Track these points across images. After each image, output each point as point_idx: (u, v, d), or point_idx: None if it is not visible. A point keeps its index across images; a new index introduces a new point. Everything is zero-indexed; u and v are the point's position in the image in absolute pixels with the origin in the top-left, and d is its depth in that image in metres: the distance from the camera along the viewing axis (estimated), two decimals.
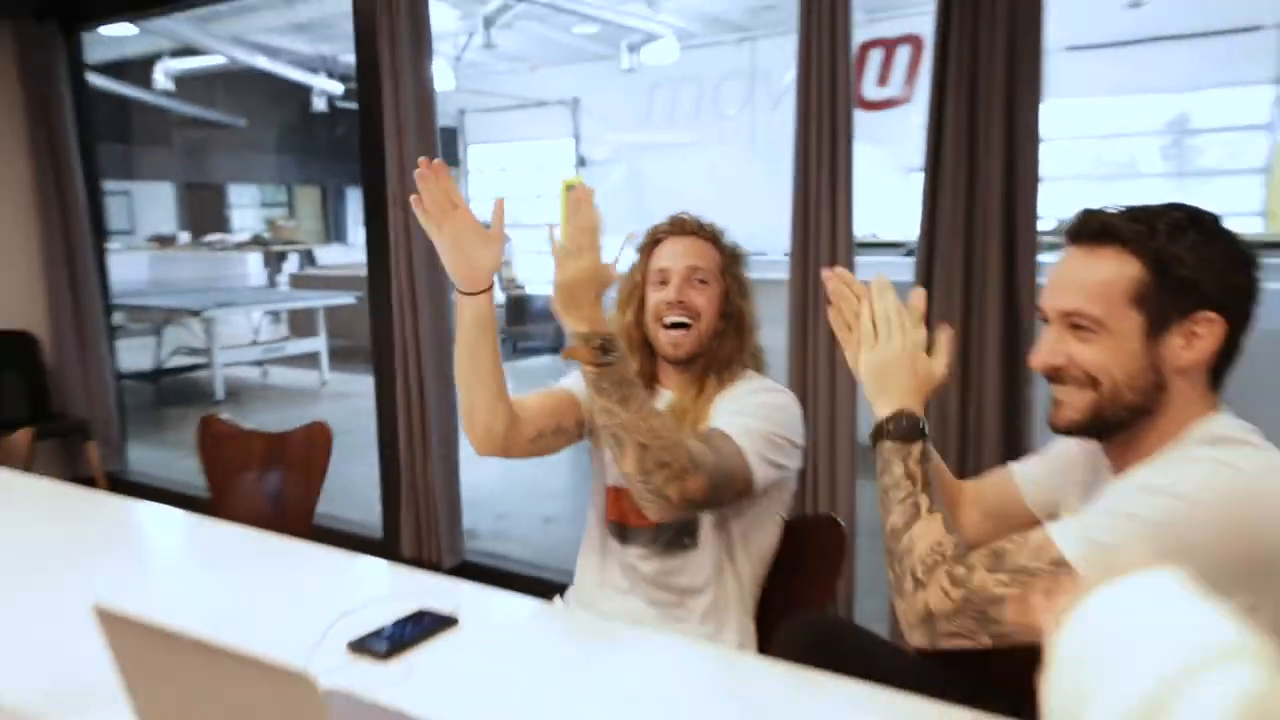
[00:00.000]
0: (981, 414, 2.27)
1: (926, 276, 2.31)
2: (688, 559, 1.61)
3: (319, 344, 8.28)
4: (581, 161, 11.86)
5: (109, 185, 6.58)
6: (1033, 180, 2.18)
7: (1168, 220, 1.06)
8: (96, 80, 5.17)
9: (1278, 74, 7.85)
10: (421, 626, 1.37)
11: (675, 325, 1.60)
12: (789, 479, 1.61)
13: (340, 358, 8.56)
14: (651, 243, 1.68)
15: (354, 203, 17.92)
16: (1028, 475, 1.36)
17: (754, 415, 1.53)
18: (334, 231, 17.11)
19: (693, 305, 1.60)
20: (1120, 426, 1.11)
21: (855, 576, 2.52)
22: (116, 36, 8.09)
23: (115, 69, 10.05)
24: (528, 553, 3.91)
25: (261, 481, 2.47)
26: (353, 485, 4.63)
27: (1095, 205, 1.12)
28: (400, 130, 3.17)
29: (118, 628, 0.96)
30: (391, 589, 1.55)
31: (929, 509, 1.14)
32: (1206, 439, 1.06)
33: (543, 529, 4.44)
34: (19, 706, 1.18)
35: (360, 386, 7.85)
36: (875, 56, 8.20)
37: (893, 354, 1.24)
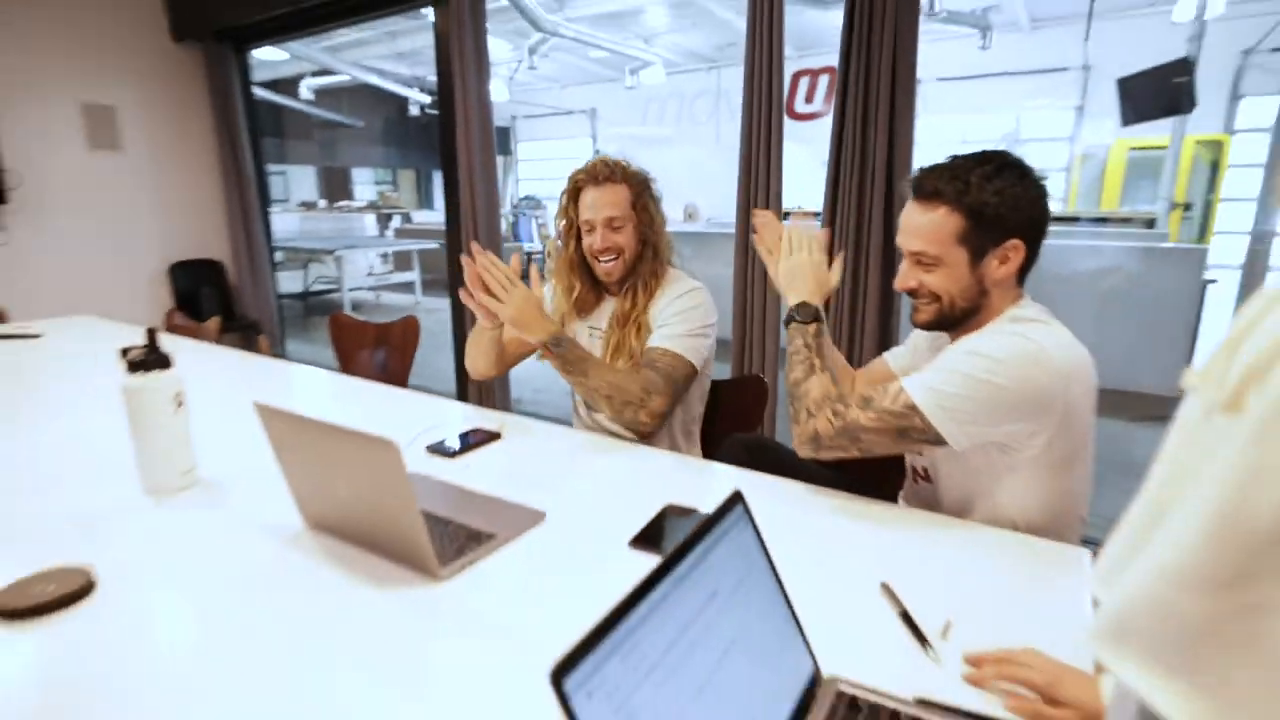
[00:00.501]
0: (865, 319, 2.28)
1: (831, 229, 2.30)
2: None
3: (414, 276, 8.24)
4: (597, 153, 11.60)
5: (270, 167, 6.45)
6: (907, 166, 2.15)
7: (979, 173, 1.05)
8: (260, 92, 5.04)
9: (1078, 102, 7.80)
10: (475, 438, 1.41)
11: (606, 259, 1.51)
12: (712, 348, 1.56)
13: (427, 286, 8.48)
14: (575, 189, 1.50)
15: (438, 180, 17.62)
16: (895, 357, 1.38)
17: (678, 323, 1.47)
18: (424, 200, 16.81)
19: (616, 245, 1.48)
20: (958, 323, 1.13)
21: (775, 417, 2.57)
22: (273, 60, 7.86)
23: (273, 84, 9.78)
24: (557, 414, 3.97)
25: (372, 357, 2.50)
26: (435, 371, 4.67)
27: (928, 164, 1.10)
28: (468, 130, 3.12)
29: (270, 416, 1.00)
30: (457, 417, 1.58)
31: (820, 369, 1.15)
32: (1011, 319, 1.08)
33: (569, 400, 4.47)
34: (215, 479, 1.24)
35: (441, 305, 7.84)
36: (804, 81, 7.99)
37: (799, 262, 1.25)
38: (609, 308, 1.58)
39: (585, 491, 1.19)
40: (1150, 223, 6.61)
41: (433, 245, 8.37)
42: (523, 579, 0.94)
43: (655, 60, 8.42)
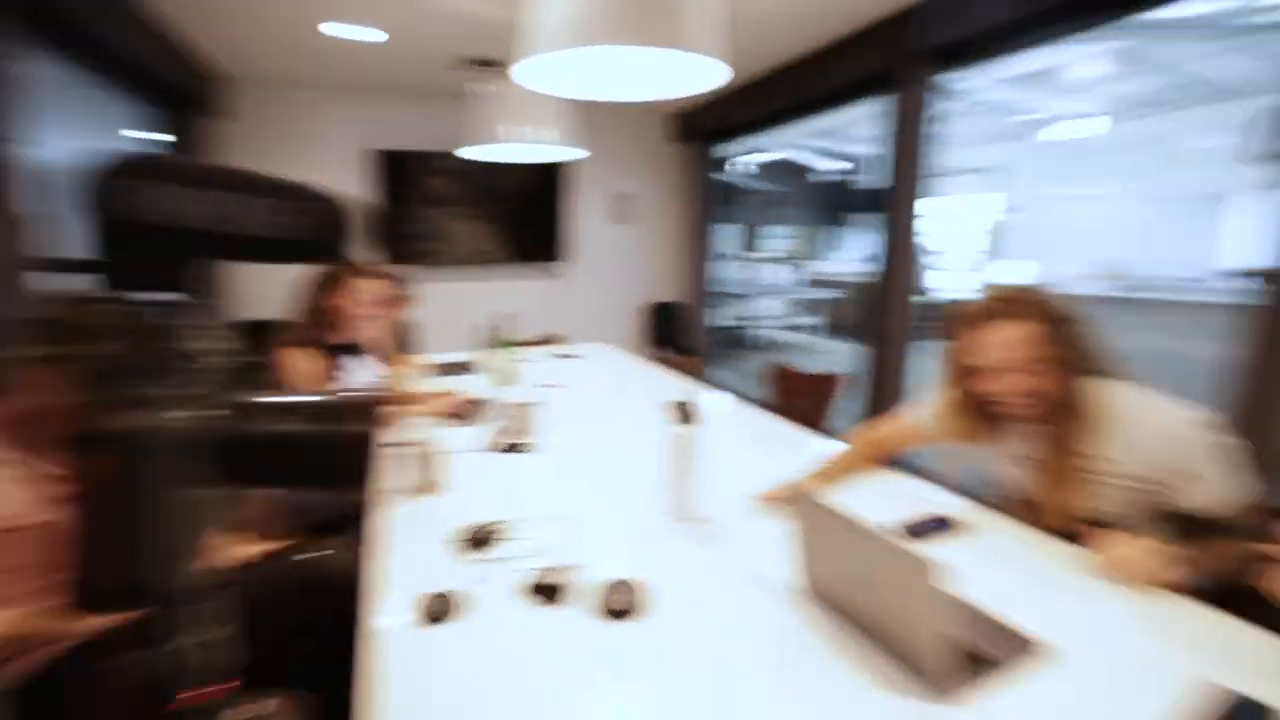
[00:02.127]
0: None
1: None
2: None
3: (816, 320, 8.45)
4: (1007, 208, 10.20)
5: (715, 226, 7.06)
6: None
7: None
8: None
9: None
10: (937, 525, 1.26)
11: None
12: None
13: (824, 329, 8.40)
14: (963, 329, 1.16)
15: (828, 235, 17.43)
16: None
17: (1208, 455, 1.07)
18: (823, 250, 16.77)
19: (1027, 390, 1.12)
20: None
21: None
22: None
23: (719, 162, 10.84)
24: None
25: (802, 404, 2.44)
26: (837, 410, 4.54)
27: None
28: (905, 197, 2.99)
29: (810, 509, 0.97)
30: (912, 492, 1.43)
31: None
32: None
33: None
34: (719, 516, 1.29)
35: (833, 347, 7.69)
36: None
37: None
38: (1026, 430, 1.25)
39: (1084, 627, 0.95)
40: None
41: (834, 294, 8.25)
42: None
43: (1070, 114, 7.03)
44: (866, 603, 0.89)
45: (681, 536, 1.20)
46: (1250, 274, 1.76)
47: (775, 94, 3.75)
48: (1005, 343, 1.13)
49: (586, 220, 4.94)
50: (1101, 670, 0.85)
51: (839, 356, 6.42)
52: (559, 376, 2.57)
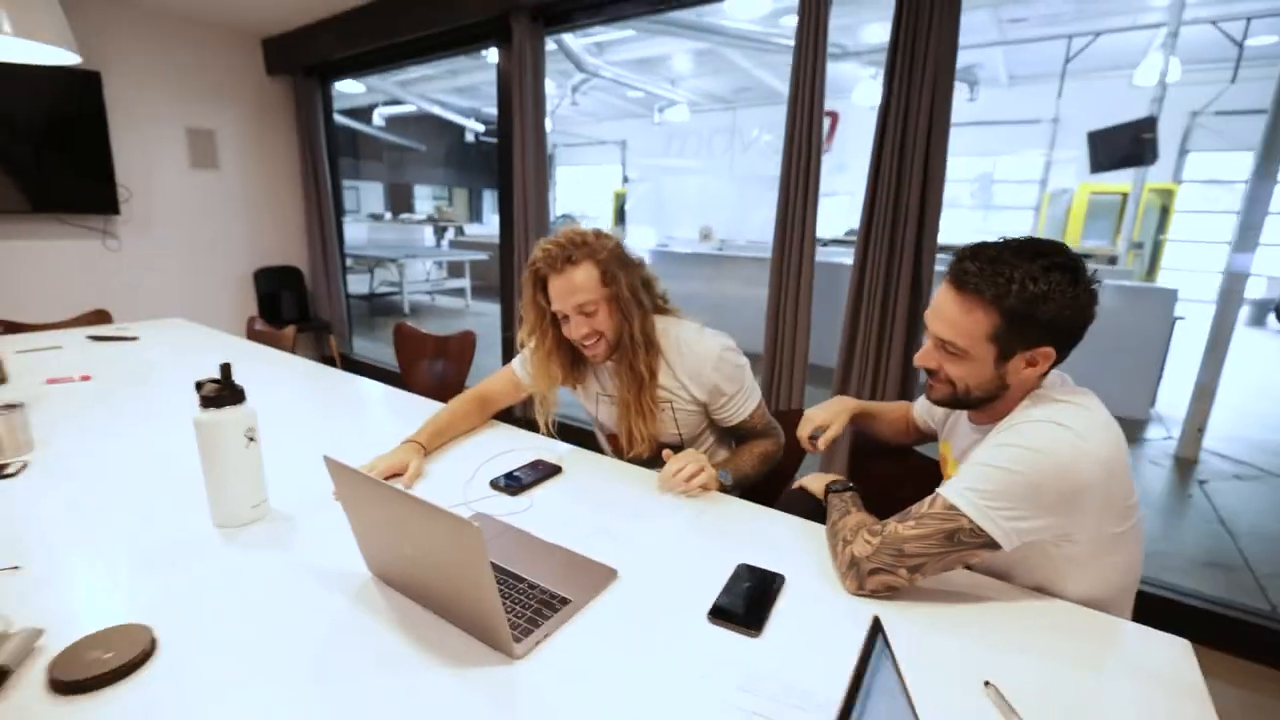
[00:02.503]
0: (890, 360, 2.10)
1: (861, 262, 2.12)
2: None
3: (465, 283, 8.08)
4: (625, 179, 11.43)
5: (345, 182, 6.31)
6: (938, 206, 1.96)
7: (1025, 270, 0.84)
8: (340, 119, 4.86)
9: (1047, 148, 7.56)
10: (538, 472, 1.23)
11: (589, 344, 1.27)
12: None
13: (476, 292, 8.32)
14: (539, 278, 1.25)
15: (488, 199, 17.47)
16: (922, 408, 1.23)
17: (735, 389, 1.30)
18: (474, 215, 16.66)
19: (593, 331, 1.25)
20: (972, 406, 0.95)
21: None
22: (352, 92, 7.71)
23: (350, 112, 9.63)
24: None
25: (430, 366, 2.38)
26: (485, 371, 4.51)
27: (976, 242, 0.89)
28: (523, 155, 2.96)
29: (341, 473, 0.82)
30: (517, 444, 1.42)
31: (856, 509, 0.99)
32: (1038, 400, 0.89)
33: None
34: (286, 510, 1.06)
35: (489, 309, 7.71)
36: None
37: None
38: (604, 370, 1.39)
39: (653, 544, 1.01)
40: (1113, 259, 6.35)
41: (481, 256, 8.22)
42: (600, 656, 0.75)
43: (680, 100, 8.22)
44: (427, 575, 0.77)
45: (225, 548, 0.92)
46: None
47: (380, 30, 3.37)
48: (573, 288, 1.20)
49: (160, 165, 3.76)
50: (660, 578, 0.92)
51: (488, 319, 6.57)
52: (91, 366, 1.89)
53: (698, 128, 9.72)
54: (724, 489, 1.20)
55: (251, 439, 0.99)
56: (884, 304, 2.08)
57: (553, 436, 1.41)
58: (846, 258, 4.79)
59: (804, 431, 1.19)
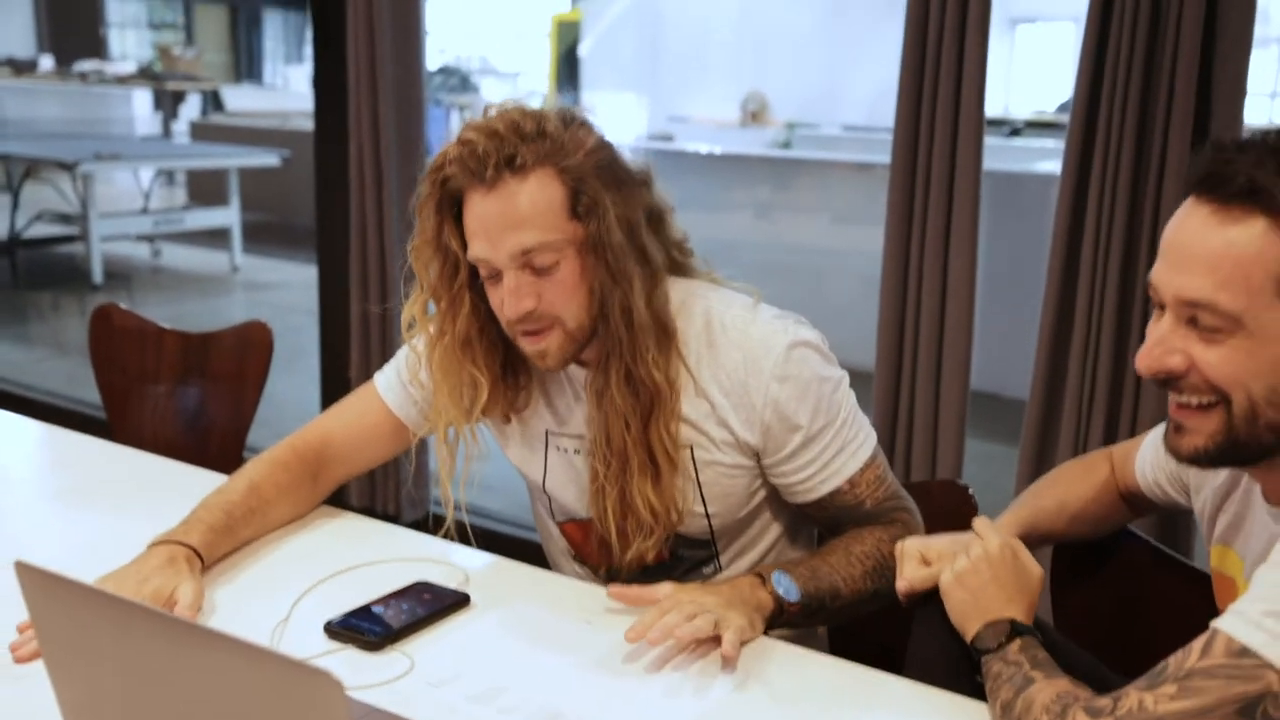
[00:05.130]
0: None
1: (1078, 178, 2.27)
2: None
3: (230, 217, 8.12)
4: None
5: None
6: (1237, 107, 2.12)
7: None
8: None
9: None
10: (423, 606, 1.33)
11: (528, 330, 1.39)
12: None
13: (257, 236, 8.50)
14: (446, 197, 1.37)
15: (273, 30, 17.52)
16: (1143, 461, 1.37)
17: (808, 398, 1.43)
18: (246, 67, 16.79)
19: (546, 310, 1.36)
20: (1263, 454, 1.06)
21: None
22: None
23: None
24: (509, 505, 3.86)
25: (176, 396, 2.45)
26: (280, 401, 4.59)
27: (1235, 137, 1.02)
28: None
29: (46, 592, 0.92)
30: (377, 550, 1.51)
31: (1045, 675, 1.10)
32: None
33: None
34: None
35: (286, 275, 7.79)
36: None
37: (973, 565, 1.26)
38: (561, 386, 1.54)
39: None
40: None
41: (269, 159, 8.35)
42: None
43: None
44: None
45: None
46: None
47: None
48: (515, 217, 1.34)
49: None
50: None
51: (291, 295, 6.66)
52: None
53: None
54: (781, 612, 1.32)
55: None
56: (1129, 251, 2.22)
57: (450, 537, 1.52)
58: (1049, 162, 4.80)
59: (905, 583, 1.32)
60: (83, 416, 3.88)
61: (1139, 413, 2.28)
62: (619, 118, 9.53)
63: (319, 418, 1.66)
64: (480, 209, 1.32)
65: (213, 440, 2.41)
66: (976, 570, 1.24)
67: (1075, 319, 2.31)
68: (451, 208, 1.37)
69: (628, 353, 1.38)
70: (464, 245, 1.37)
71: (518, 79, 13.22)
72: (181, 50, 15.32)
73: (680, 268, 1.49)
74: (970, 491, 1.68)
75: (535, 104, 1.39)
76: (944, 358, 2.45)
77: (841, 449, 1.44)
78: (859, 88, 8.97)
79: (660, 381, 1.39)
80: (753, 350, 1.40)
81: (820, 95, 9.46)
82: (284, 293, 7.45)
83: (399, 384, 1.58)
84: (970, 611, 1.23)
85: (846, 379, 1.46)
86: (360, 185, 3.27)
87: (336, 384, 3.48)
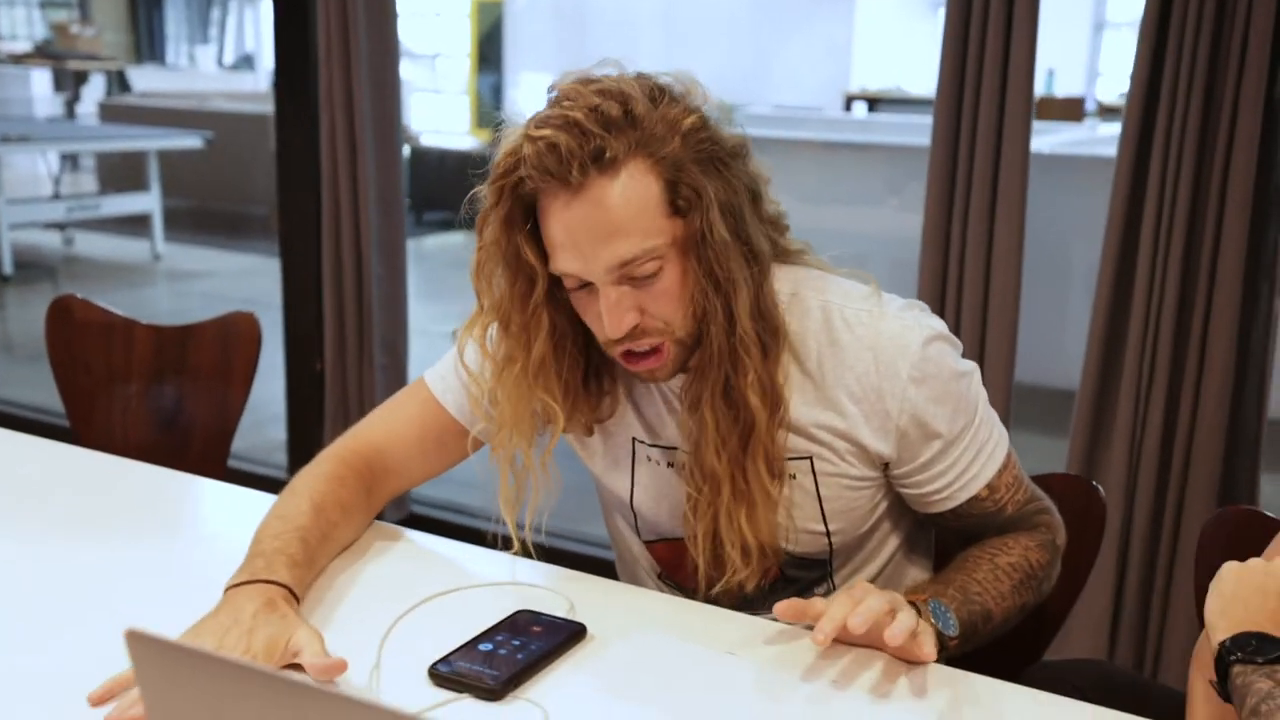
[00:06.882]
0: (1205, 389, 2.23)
1: (1136, 156, 2.21)
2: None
3: (150, 202, 7.96)
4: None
5: None
6: None
7: None
8: None
9: None
10: (540, 641, 1.23)
11: (640, 352, 1.31)
12: None
13: (174, 223, 8.32)
14: (519, 205, 1.29)
15: (175, 9, 17.25)
16: None
17: (946, 400, 1.36)
18: (149, 48, 16.46)
19: (650, 325, 1.29)
20: None
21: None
22: None
23: None
24: (489, 502, 3.79)
25: (149, 396, 2.40)
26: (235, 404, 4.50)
27: None
28: None
29: (166, 661, 0.82)
30: (457, 575, 1.44)
31: None
32: None
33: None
34: None
35: (211, 264, 7.66)
36: None
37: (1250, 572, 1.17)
38: (652, 397, 1.47)
39: None
40: None
41: (190, 141, 8.22)
42: None
43: None
44: None
45: None
46: None
47: None
48: (610, 226, 1.25)
49: None
50: None
51: (221, 280, 6.51)
52: None
53: None
54: (943, 648, 1.25)
55: None
56: (1191, 237, 2.19)
57: (527, 553, 1.45)
58: (1106, 146, 4.91)
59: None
60: (34, 423, 3.67)
61: (1199, 408, 2.25)
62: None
63: (362, 424, 1.59)
64: (565, 217, 1.23)
65: (194, 443, 2.35)
66: (1273, 575, 1.15)
67: (1133, 308, 2.29)
68: (525, 218, 1.28)
69: (728, 363, 1.30)
70: (542, 257, 1.29)
71: (435, 60, 13.19)
72: (80, 29, 14.92)
73: (781, 252, 1.40)
74: (1098, 488, 1.62)
75: (607, 75, 1.27)
76: (986, 352, 2.43)
77: (979, 451, 1.37)
78: (787, 67, 9.03)
79: (758, 405, 1.29)
80: (885, 350, 1.31)
81: (748, 75, 9.55)
82: (212, 281, 7.43)
83: (458, 384, 1.49)
84: (1239, 612, 1.13)
85: (979, 370, 1.39)
86: (333, 169, 3.22)
87: (304, 379, 3.38)
